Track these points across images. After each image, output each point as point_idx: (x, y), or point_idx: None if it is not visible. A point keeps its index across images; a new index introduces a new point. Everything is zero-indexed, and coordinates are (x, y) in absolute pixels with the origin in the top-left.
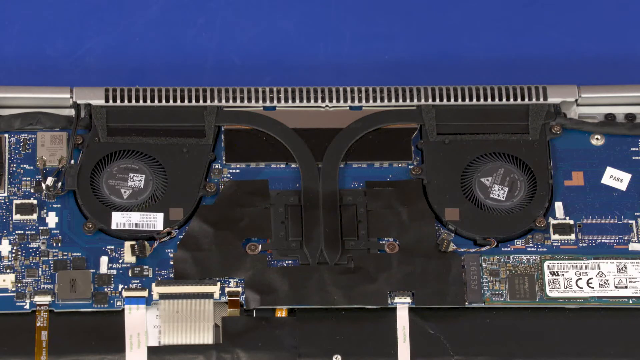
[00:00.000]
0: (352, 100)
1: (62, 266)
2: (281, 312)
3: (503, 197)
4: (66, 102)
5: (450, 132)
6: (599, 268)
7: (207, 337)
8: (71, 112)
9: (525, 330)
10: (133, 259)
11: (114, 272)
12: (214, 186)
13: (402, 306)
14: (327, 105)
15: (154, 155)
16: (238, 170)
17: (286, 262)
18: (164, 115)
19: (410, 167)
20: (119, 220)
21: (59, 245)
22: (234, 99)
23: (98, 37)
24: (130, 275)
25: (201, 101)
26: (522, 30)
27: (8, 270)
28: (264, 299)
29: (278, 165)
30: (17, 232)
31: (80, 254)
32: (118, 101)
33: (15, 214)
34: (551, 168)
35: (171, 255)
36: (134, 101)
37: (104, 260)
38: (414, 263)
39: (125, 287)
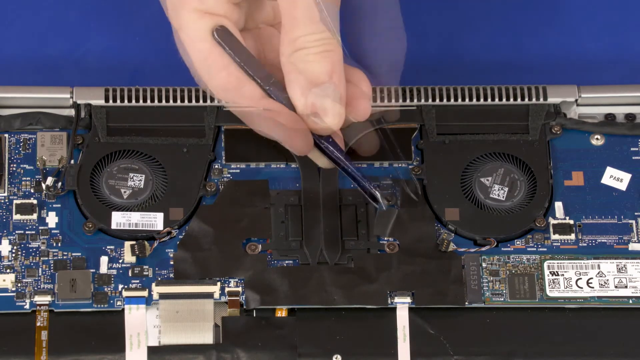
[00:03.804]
0: None
1: (62, 266)
2: (281, 312)
3: (503, 197)
4: (66, 102)
5: (451, 132)
6: (599, 268)
7: (207, 337)
8: (71, 112)
9: (525, 330)
10: (133, 259)
11: (114, 272)
12: (214, 186)
13: (402, 306)
14: None
15: (154, 155)
16: (238, 170)
17: (286, 262)
18: (164, 115)
19: (410, 167)
20: (119, 220)
21: (59, 245)
22: None
23: (98, 37)
24: (130, 275)
25: (201, 101)
26: (522, 30)
27: (8, 270)
28: (264, 299)
29: (278, 165)
30: (17, 232)
31: (80, 254)
32: (118, 101)
33: (15, 214)
34: (551, 168)
35: (171, 255)
36: (134, 101)
37: (104, 260)
38: (414, 263)
39: (125, 287)
